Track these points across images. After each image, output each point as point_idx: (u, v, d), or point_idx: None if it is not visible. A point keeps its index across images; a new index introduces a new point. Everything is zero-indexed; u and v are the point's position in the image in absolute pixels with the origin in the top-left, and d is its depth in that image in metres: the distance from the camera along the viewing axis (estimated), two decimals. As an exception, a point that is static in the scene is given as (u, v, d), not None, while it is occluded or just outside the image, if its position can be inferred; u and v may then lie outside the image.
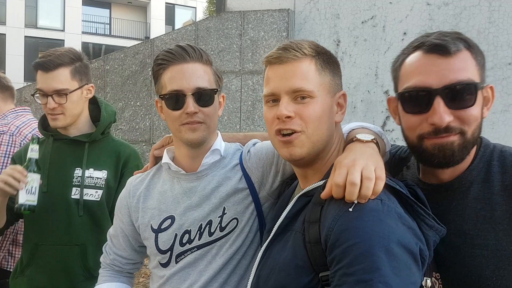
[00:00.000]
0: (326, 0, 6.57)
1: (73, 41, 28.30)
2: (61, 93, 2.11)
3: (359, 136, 1.23)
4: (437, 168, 1.26)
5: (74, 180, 2.17)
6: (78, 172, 2.18)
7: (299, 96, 1.20)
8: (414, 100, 1.20)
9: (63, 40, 28.25)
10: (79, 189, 2.16)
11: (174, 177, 1.60)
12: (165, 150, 1.66)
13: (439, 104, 1.15)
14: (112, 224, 1.86)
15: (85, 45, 29.27)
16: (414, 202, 1.09)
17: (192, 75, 1.48)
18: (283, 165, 1.52)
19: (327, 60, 1.26)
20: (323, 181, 1.18)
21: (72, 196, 2.16)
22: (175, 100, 1.48)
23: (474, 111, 1.18)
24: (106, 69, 7.42)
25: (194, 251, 1.52)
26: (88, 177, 2.18)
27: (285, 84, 1.21)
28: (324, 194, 1.11)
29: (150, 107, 7.23)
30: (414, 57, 1.22)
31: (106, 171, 2.22)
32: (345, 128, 1.41)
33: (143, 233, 1.62)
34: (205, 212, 1.52)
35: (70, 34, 28.62)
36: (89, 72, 2.28)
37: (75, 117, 2.23)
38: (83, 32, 29.56)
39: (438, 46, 1.18)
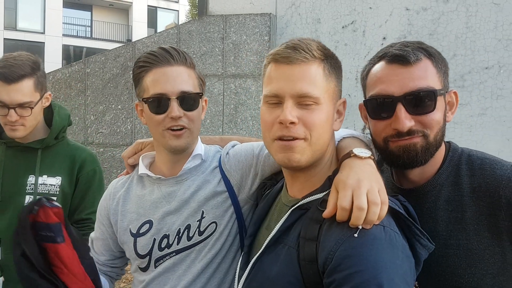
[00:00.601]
0: (307, 5, 6.63)
1: (54, 44, 27.95)
2: (25, 106, 2.02)
3: (356, 152, 1.19)
4: (403, 169, 1.32)
5: (27, 188, 2.11)
6: (31, 179, 2.12)
7: (304, 101, 1.15)
8: (379, 107, 1.28)
9: (43, 42, 27.87)
10: (32, 197, 2.10)
11: (154, 183, 1.58)
12: (140, 158, 1.63)
13: (400, 110, 1.23)
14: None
15: (66, 47, 28.93)
16: (412, 223, 1.10)
17: (177, 79, 1.46)
18: (262, 167, 1.52)
19: (334, 65, 1.23)
20: (320, 195, 1.16)
21: (26, 204, 2.08)
22: (159, 103, 1.45)
23: (435, 116, 1.25)
24: (87, 72, 7.35)
25: (173, 255, 1.51)
26: (41, 184, 2.12)
27: (291, 87, 1.15)
28: (326, 214, 1.08)
29: (132, 110, 7.18)
30: (378, 67, 1.31)
31: (60, 177, 2.15)
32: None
33: (121, 237, 1.60)
34: (183, 216, 1.51)
35: (51, 36, 28.25)
36: (46, 79, 2.19)
37: (34, 127, 2.15)
38: (63, 35, 29.20)
39: (398, 56, 1.25)
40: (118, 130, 7.31)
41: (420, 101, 1.23)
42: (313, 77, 1.16)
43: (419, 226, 1.11)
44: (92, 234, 1.77)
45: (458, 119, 5.81)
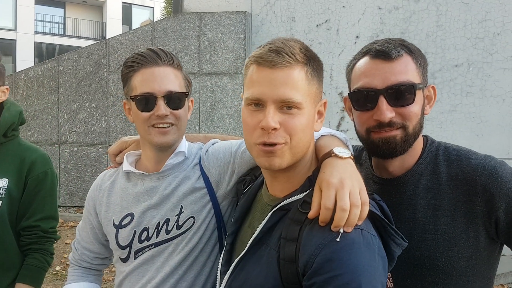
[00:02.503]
0: (282, 3, 6.67)
1: (26, 41, 27.32)
2: None
3: (337, 152, 1.21)
4: (383, 159, 1.39)
5: None
6: None
7: (286, 105, 1.14)
8: (362, 99, 1.35)
9: (15, 40, 27.19)
10: None
11: (138, 178, 1.63)
12: (125, 156, 1.67)
13: (382, 102, 1.30)
14: (15, 243, 1.92)
15: (38, 45, 28.31)
16: (388, 224, 1.13)
17: (164, 79, 1.52)
18: (238, 164, 1.56)
19: (316, 67, 1.22)
20: (301, 196, 1.18)
21: None
22: (146, 102, 1.51)
23: (413, 108, 1.33)
24: (60, 70, 7.23)
25: (152, 248, 1.56)
26: None
27: (273, 92, 1.13)
28: (312, 215, 1.10)
29: (106, 108, 7.12)
30: (362, 62, 1.38)
31: (7, 179, 2.00)
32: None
33: (105, 227, 1.65)
34: (163, 211, 1.56)
35: (22, 34, 27.59)
36: (4, 73, 2.05)
37: None
38: (36, 32, 28.56)
39: (381, 52, 1.33)
40: (92, 129, 7.22)
41: (401, 94, 1.31)
42: (295, 82, 1.15)
43: (393, 225, 1.15)
44: (79, 225, 1.80)
45: (429, 115, 5.94)
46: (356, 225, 1.07)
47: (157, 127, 1.52)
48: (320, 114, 1.26)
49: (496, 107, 5.88)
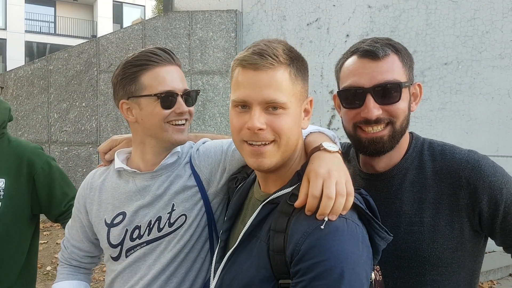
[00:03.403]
0: (272, 2, 6.68)
1: (16, 40, 27.11)
2: None
3: (325, 146, 1.25)
4: (371, 157, 1.44)
5: None
6: None
7: (271, 106, 1.18)
8: (350, 97, 1.40)
9: (5, 39, 26.97)
10: None
11: (130, 176, 1.64)
12: (116, 153, 1.68)
13: (369, 100, 1.35)
14: (26, 235, 1.94)
15: (28, 44, 28.11)
16: (372, 218, 1.17)
17: (181, 78, 1.60)
18: (230, 162, 1.58)
19: (300, 67, 1.24)
20: (289, 189, 1.21)
21: None
22: (168, 99, 1.54)
23: (400, 105, 1.37)
24: (50, 69, 7.18)
25: (144, 246, 1.57)
26: None
27: (258, 94, 1.17)
28: (298, 204, 1.14)
29: (97, 108, 7.08)
30: (350, 61, 1.42)
31: (4, 179, 1.96)
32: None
33: (97, 226, 1.66)
34: (155, 209, 1.58)
35: (13, 33, 27.37)
36: None
37: None
38: (26, 31, 28.36)
39: (368, 51, 1.37)
40: (82, 128, 7.18)
41: (387, 92, 1.35)
42: (279, 83, 1.17)
43: (378, 220, 1.19)
44: (68, 223, 1.80)
45: (419, 113, 5.99)
46: (341, 214, 1.11)
47: (174, 124, 1.56)
48: (306, 112, 1.29)
49: (485, 105, 5.93)
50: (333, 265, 1.03)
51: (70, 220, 1.79)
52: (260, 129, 1.17)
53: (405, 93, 1.38)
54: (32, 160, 2.03)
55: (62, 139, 7.14)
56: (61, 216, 2.09)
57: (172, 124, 1.56)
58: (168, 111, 1.54)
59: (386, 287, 1.36)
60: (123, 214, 1.60)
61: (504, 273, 5.23)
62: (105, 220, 1.62)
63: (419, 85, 1.46)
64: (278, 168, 1.24)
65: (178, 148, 1.64)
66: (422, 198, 1.38)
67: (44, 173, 2.04)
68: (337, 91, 1.45)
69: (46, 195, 2.05)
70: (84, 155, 7.04)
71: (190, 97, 1.60)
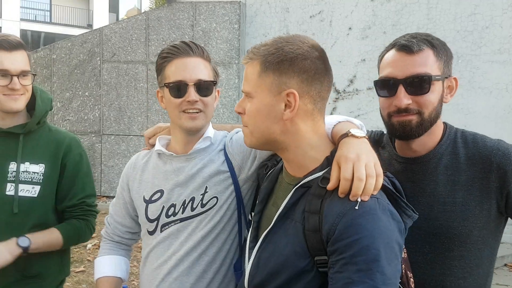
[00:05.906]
0: (276, -6, 6.73)
1: (11, 29, 26.90)
2: (27, 74, 1.99)
3: (353, 132, 1.35)
4: (401, 140, 1.59)
5: (8, 175, 2.01)
6: (13, 166, 2.02)
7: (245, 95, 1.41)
8: (385, 87, 1.55)
9: (0, 27, 26.78)
10: (14, 184, 2.01)
11: (167, 159, 1.80)
12: (158, 138, 1.85)
13: (401, 90, 1.49)
14: (59, 222, 2.05)
15: (23, 32, 27.87)
16: (399, 197, 1.28)
17: (195, 68, 1.70)
18: (260, 151, 1.71)
19: (274, 61, 1.32)
20: (320, 174, 1.31)
21: (7, 193, 2.00)
22: (178, 89, 1.68)
23: (429, 97, 1.50)
24: (53, 58, 7.21)
25: (177, 223, 1.71)
26: (24, 171, 2.03)
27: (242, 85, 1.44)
28: (331, 186, 1.24)
29: (100, 97, 7.13)
30: (389, 54, 1.57)
31: (43, 165, 2.06)
32: (329, 120, 1.48)
33: (136, 202, 1.81)
34: (189, 189, 1.72)
35: (7, 21, 27.15)
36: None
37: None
38: (21, 19, 28.14)
39: (404, 46, 1.51)
40: (85, 118, 7.23)
41: (418, 84, 1.48)
42: (249, 76, 1.37)
43: (404, 199, 1.30)
44: (113, 201, 1.96)
45: (419, 106, 6.08)
46: (372, 194, 1.20)
47: (188, 113, 1.68)
48: (289, 104, 1.32)
49: (484, 99, 6.05)
50: (370, 241, 1.13)
51: (114, 198, 1.94)
52: (240, 113, 1.42)
53: (436, 85, 1.50)
54: (69, 148, 2.14)
55: (65, 128, 7.17)
56: (70, 209, 2.13)
57: (186, 113, 1.68)
58: (179, 100, 1.67)
59: (416, 261, 1.49)
60: (161, 191, 1.74)
61: (499, 263, 5.38)
62: (143, 197, 1.77)
63: (455, 78, 1.58)
64: (280, 151, 1.39)
65: (210, 134, 1.77)
66: (455, 181, 1.52)
67: (74, 162, 2.13)
68: (374, 81, 1.61)
69: (67, 184, 2.12)
70: (87, 144, 7.09)
71: (202, 87, 1.69)
